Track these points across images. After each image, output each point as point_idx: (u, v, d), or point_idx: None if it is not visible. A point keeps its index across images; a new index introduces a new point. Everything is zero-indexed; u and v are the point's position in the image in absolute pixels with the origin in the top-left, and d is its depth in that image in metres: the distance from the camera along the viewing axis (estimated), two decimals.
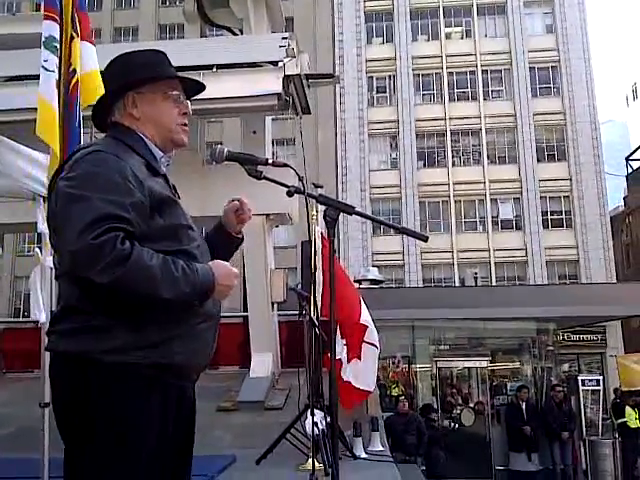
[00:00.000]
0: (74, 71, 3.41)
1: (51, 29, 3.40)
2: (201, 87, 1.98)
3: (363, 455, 5.46)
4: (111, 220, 1.54)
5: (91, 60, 3.51)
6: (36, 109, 3.32)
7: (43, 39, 3.37)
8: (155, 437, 1.62)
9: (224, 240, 1.98)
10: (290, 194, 2.01)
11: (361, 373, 5.43)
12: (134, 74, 1.82)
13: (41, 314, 3.28)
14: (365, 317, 5.47)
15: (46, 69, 3.31)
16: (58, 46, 3.40)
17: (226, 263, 1.72)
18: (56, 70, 3.35)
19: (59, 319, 1.66)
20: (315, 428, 4.50)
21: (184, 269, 1.60)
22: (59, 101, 3.34)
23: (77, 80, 3.39)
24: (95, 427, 1.58)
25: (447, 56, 28.59)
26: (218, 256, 1.82)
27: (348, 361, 5.35)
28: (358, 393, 5.47)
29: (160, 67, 1.88)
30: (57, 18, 3.41)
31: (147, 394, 1.61)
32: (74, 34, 3.47)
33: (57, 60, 3.37)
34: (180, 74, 1.94)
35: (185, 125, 1.88)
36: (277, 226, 7.83)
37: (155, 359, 1.61)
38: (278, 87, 6.22)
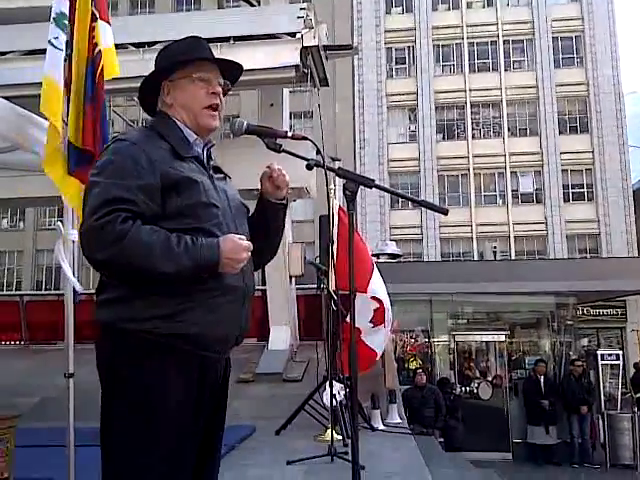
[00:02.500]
0: (100, 53, 3.36)
1: (61, 4, 3.30)
2: (239, 67, 2.01)
3: (381, 427, 5.51)
4: (116, 202, 1.65)
5: (108, 38, 3.48)
6: None
7: (54, 14, 3.27)
8: (175, 402, 1.69)
9: (267, 209, 1.99)
10: (310, 167, 1.99)
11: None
12: (162, 64, 1.94)
13: (75, 284, 3.27)
14: (377, 292, 5.31)
15: (55, 46, 3.24)
16: (67, 23, 3.34)
17: (237, 237, 1.72)
18: (64, 49, 3.30)
19: (98, 291, 1.80)
20: (333, 400, 4.55)
21: (187, 244, 1.66)
22: (85, 84, 3.28)
23: (102, 66, 3.35)
24: (117, 390, 1.71)
25: (468, 26, 28.04)
26: (268, 228, 1.96)
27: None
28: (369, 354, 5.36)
29: (187, 53, 1.93)
30: None
31: (163, 360, 1.68)
32: (96, 13, 3.40)
33: (65, 38, 3.32)
34: None
35: (213, 107, 1.91)
36: (295, 200, 7.81)
37: (170, 329, 1.69)
38: (296, 59, 6.16)
